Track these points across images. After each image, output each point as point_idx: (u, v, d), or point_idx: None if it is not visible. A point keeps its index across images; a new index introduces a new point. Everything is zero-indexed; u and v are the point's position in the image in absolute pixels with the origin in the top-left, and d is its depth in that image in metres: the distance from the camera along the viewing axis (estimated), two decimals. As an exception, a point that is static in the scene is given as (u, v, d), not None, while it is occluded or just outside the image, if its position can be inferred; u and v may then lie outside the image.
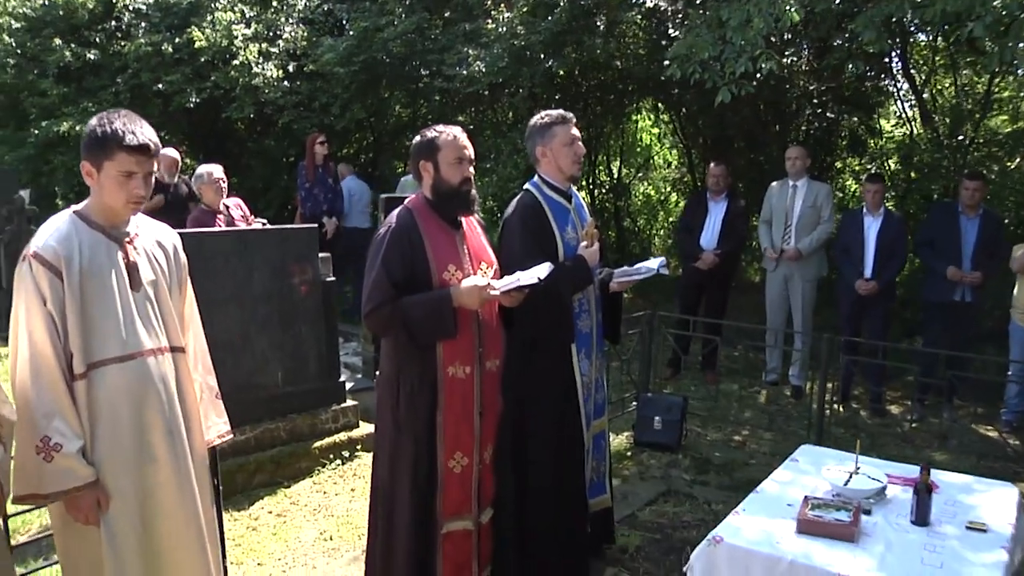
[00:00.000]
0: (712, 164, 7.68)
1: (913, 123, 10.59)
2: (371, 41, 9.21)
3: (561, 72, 8.82)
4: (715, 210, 7.47)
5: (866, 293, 6.66)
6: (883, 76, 10.46)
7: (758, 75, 5.91)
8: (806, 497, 2.92)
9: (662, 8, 7.79)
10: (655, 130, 14.21)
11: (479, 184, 9.02)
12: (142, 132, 2.52)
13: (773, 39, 6.01)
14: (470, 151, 3.18)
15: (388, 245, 3.03)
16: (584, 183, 11.91)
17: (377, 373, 3.26)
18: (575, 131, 3.69)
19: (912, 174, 9.82)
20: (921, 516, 2.91)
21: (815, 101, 9.90)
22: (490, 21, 8.65)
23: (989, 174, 8.57)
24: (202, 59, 10.40)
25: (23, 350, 2.46)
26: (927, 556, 2.65)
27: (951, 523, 2.93)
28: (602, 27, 7.98)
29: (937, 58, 10.35)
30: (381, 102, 10.71)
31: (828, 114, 10.03)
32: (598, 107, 11.02)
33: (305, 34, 10.39)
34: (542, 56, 7.91)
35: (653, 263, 3.77)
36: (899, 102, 11.23)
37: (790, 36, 8.44)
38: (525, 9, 8.22)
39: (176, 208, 7.86)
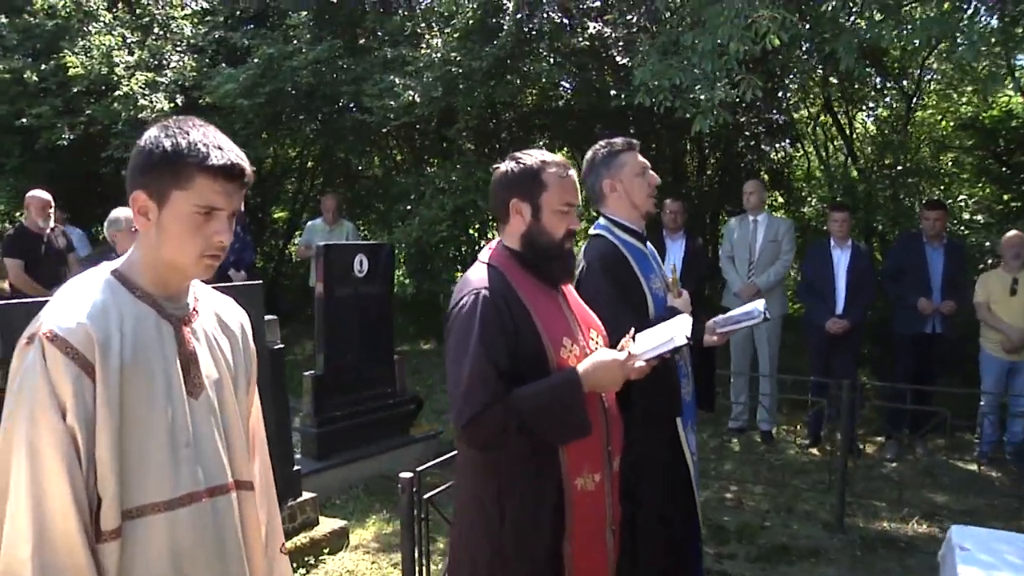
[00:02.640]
0: (668, 200, 7.56)
1: (837, 154, 10.99)
2: (277, 70, 8.71)
3: (502, 102, 8.55)
4: (673, 248, 7.39)
5: (839, 332, 6.65)
6: (807, 108, 10.86)
7: (741, 102, 5.81)
8: None
9: (606, 34, 7.67)
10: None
11: (399, 228, 8.70)
12: (231, 148, 1.79)
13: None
14: (579, 196, 2.56)
15: (484, 320, 2.31)
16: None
17: (460, 494, 2.57)
18: (643, 159, 3.31)
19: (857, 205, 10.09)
20: None
21: (747, 133, 10.07)
22: (424, 47, 8.31)
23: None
24: (75, 89, 9.56)
25: (21, 493, 1.62)
26: None
27: None
28: (547, 54, 7.77)
29: (857, 86, 10.75)
30: (292, 136, 10.13)
31: (763, 146, 10.20)
32: (544, 139, 10.81)
33: (194, 64, 9.75)
34: (491, 83, 7.61)
35: (752, 307, 3.26)
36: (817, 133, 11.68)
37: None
38: (457, 35, 7.92)
39: (50, 262, 7.05)
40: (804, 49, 7.34)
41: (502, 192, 2.50)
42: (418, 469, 3.29)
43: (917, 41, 5.52)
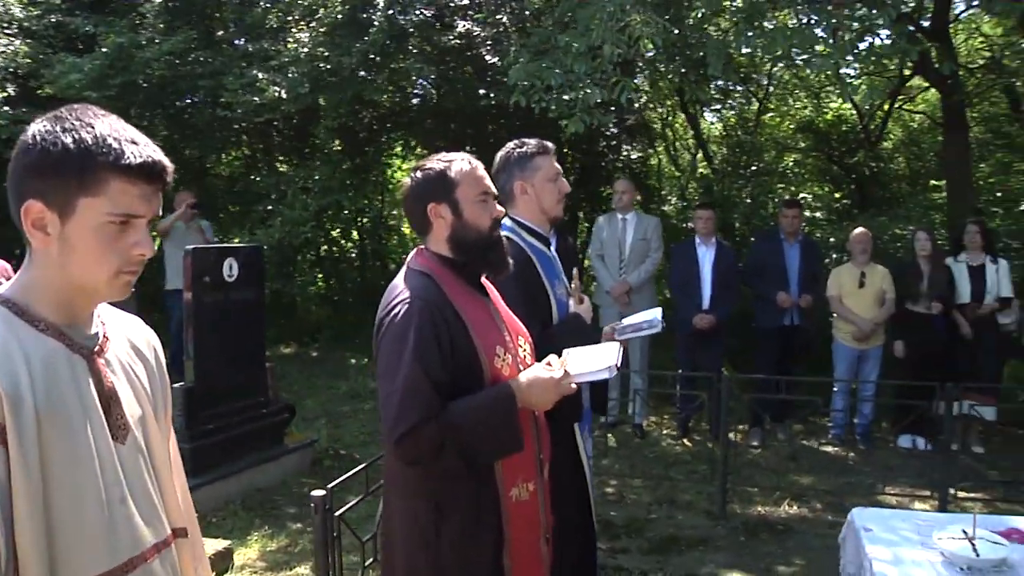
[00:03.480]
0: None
1: (686, 154, 11.52)
2: (129, 61, 8.23)
3: (375, 99, 8.40)
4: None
5: (706, 327, 6.95)
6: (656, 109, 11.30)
7: (622, 103, 5.99)
8: None
9: (475, 32, 7.70)
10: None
11: (261, 230, 8.42)
12: (147, 143, 1.50)
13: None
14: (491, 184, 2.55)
15: (419, 331, 2.23)
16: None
17: (380, 510, 2.54)
18: (557, 164, 3.30)
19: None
20: None
21: (607, 133, 10.36)
22: (290, 41, 8.04)
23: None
24: None
25: None
26: None
27: None
28: (416, 51, 7.71)
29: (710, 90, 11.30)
30: (143, 132, 9.55)
31: (623, 146, 10.51)
32: (411, 139, 10.69)
33: (27, 49, 9.06)
34: (359, 80, 7.46)
35: (652, 315, 3.39)
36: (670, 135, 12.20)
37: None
38: (323, 30, 7.72)
39: None
40: (659, 52, 7.62)
41: (416, 203, 2.46)
42: (329, 486, 3.19)
43: (779, 51, 5.85)
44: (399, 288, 2.37)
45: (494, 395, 2.30)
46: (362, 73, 7.70)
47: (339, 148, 9.18)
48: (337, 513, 3.16)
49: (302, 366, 9.55)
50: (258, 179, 9.38)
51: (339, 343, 10.60)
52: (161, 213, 1.62)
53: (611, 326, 3.47)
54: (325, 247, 9.81)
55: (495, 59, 7.46)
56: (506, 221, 3.19)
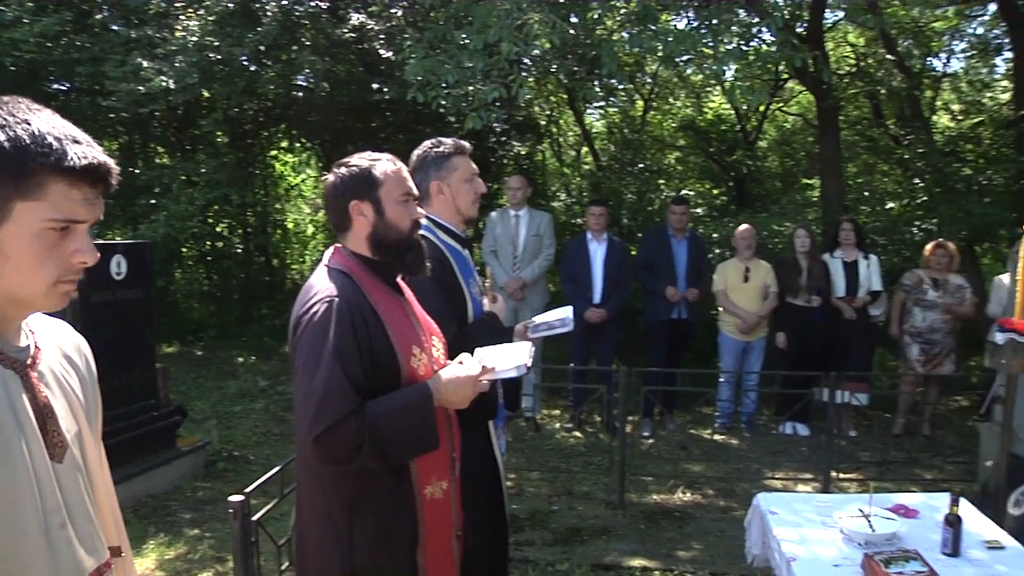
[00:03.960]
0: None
1: (570, 150, 11.78)
2: (-6, 41, 7.74)
3: (269, 91, 8.19)
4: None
5: (598, 320, 7.14)
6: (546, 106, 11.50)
7: (518, 100, 6.09)
8: (867, 555, 2.87)
9: (369, 26, 7.64)
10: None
11: (145, 225, 8.10)
12: (90, 142, 1.39)
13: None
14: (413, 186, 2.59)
15: (338, 330, 2.25)
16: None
17: (294, 514, 2.51)
18: (474, 165, 3.33)
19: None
20: (955, 547, 2.95)
21: (497, 129, 10.47)
22: (178, 29, 7.74)
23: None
24: None
25: None
26: None
27: (973, 548, 3.01)
28: (309, 43, 7.57)
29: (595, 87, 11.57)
30: None
31: (513, 142, 10.63)
32: (296, 132, 10.45)
33: None
34: (247, 72, 7.27)
35: (565, 314, 3.45)
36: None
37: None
38: (213, 19, 7.49)
39: None
40: (555, 51, 7.76)
41: (339, 199, 2.47)
42: (247, 491, 3.15)
43: (671, 52, 6.08)
44: (317, 286, 2.37)
45: (412, 394, 2.33)
46: (253, 68, 7.51)
47: (224, 140, 8.92)
48: (255, 517, 3.13)
49: (187, 366, 9.26)
50: (139, 172, 9.01)
51: (225, 341, 10.36)
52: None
53: (524, 324, 3.53)
54: (209, 242, 9.52)
55: (389, 53, 7.42)
56: (423, 220, 3.24)
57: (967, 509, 3.21)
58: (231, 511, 3.04)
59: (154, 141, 10.00)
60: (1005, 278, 6.82)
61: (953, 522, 2.97)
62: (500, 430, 3.34)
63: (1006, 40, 10.87)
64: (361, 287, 2.39)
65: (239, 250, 11.12)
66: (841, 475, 5.96)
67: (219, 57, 7.28)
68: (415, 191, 2.57)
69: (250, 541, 3.08)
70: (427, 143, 3.28)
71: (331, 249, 2.54)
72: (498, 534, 3.35)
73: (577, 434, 7.40)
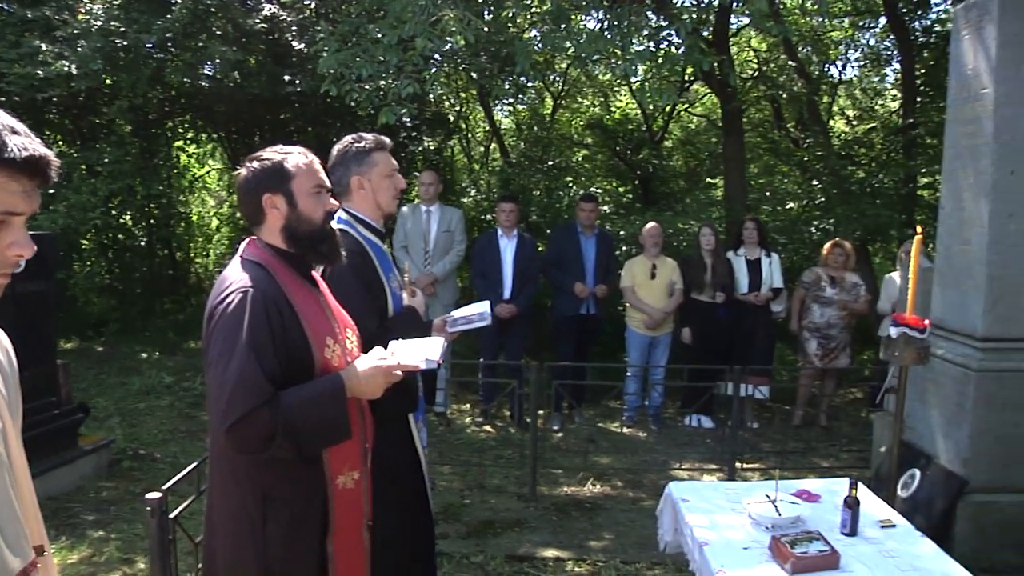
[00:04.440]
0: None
1: (478, 147, 11.86)
2: None
3: (175, 81, 7.96)
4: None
5: (507, 316, 7.22)
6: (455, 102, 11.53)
7: (431, 96, 6.11)
8: (774, 537, 3.01)
9: (281, 17, 7.53)
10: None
11: (43, 215, 7.78)
12: (28, 132, 1.36)
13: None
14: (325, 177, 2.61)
15: (253, 321, 2.27)
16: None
17: (215, 505, 2.49)
18: (394, 161, 3.34)
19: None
20: (853, 527, 3.15)
21: (408, 124, 10.43)
22: (81, 12, 7.43)
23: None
24: None
25: None
26: (895, 562, 2.97)
27: (869, 527, 3.21)
28: (220, 32, 7.40)
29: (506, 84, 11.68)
30: None
31: (423, 138, 10.61)
32: (203, 122, 10.16)
33: None
34: (154, 60, 7.06)
35: (483, 308, 3.46)
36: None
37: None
38: (118, 3, 7.24)
39: None
40: (469, 47, 7.81)
41: (251, 192, 2.50)
42: (164, 487, 3.10)
43: (582, 52, 6.20)
44: (232, 278, 2.39)
45: (325, 385, 2.37)
46: (160, 56, 7.30)
47: (128, 129, 8.65)
48: (172, 514, 3.09)
49: (88, 362, 8.95)
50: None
51: (127, 336, 10.05)
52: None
53: (442, 318, 3.57)
54: (111, 234, 9.22)
55: (301, 45, 7.33)
56: (342, 215, 3.22)
57: (863, 492, 3.40)
58: (148, 508, 3.00)
59: (50, 128, 9.60)
60: (895, 276, 7.21)
61: (852, 504, 3.16)
62: (420, 423, 3.38)
63: (895, 52, 11.45)
64: (276, 278, 2.42)
65: (142, 243, 10.82)
66: (744, 465, 6.18)
67: (125, 43, 7.05)
68: (327, 183, 2.59)
69: (167, 539, 3.05)
70: (348, 138, 3.30)
71: (246, 241, 2.56)
72: (420, 526, 3.40)
73: (488, 428, 7.47)
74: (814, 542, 2.96)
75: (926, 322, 3.96)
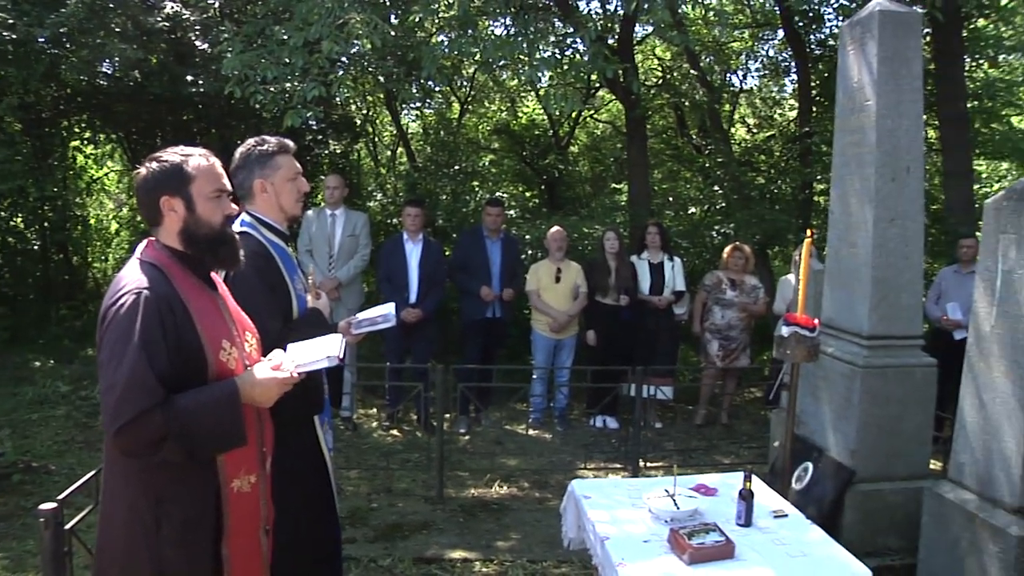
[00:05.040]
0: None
1: (385, 151, 11.86)
2: None
3: (71, 78, 7.69)
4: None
5: (414, 320, 7.25)
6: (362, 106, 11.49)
7: (336, 99, 6.12)
8: (672, 530, 3.14)
9: (184, 16, 7.39)
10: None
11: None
12: None
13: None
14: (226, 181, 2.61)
15: (145, 323, 2.26)
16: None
17: (108, 511, 2.46)
18: (297, 164, 3.37)
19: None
20: (748, 518, 3.32)
21: (313, 127, 10.37)
22: None
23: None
24: None
25: None
26: (786, 549, 3.15)
27: (762, 518, 3.37)
28: (119, 30, 7.21)
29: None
30: None
31: (329, 141, 10.55)
32: (100, 122, 9.82)
33: None
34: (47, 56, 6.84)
35: (387, 310, 3.55)
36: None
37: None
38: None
39: None
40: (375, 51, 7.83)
41: (150, 193, 2.48)
42: (59, 497, 3.03)
43: (489, 57, 6.31)
44: (127, 279, 2.38)
45: (219, 391, 2.37)
46: (54, 51, 7.06)
47: (19, 127, 8.34)
48: (68, 526, 3.03)
49: (-30, 370, 8.59)
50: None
51: (18, 345, 9.65)
52: None
53: (347, 320, 3.61)
54: (1, 237, 8.88)
55: (204, 45, 7.21)
56: (245, 217, 3.25)
57: (758, 485, 3.57)
58: (42, 520, 2.93)
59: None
60: (791, 278, 7.54)
61: (746, 496, 3.34)
62: (327, 425, 3.41)
63: (792, 63, 11.94)
64: (171, 280, 2.41)
65: (35, 247, 10.44)
66: (648, 464, 6.36)
67: (15, 36, 6.79)
68: (228, 186, 2.59)
69: (63, 552, 2.99)
70: (251, 141, 3.32)
71: (144, 242, 2.54)
72: (325, 529, 3.41)
73: (395, 432, 7.48)
74: (710, 533, 3.12)
75: (816, 321, 4.19)
